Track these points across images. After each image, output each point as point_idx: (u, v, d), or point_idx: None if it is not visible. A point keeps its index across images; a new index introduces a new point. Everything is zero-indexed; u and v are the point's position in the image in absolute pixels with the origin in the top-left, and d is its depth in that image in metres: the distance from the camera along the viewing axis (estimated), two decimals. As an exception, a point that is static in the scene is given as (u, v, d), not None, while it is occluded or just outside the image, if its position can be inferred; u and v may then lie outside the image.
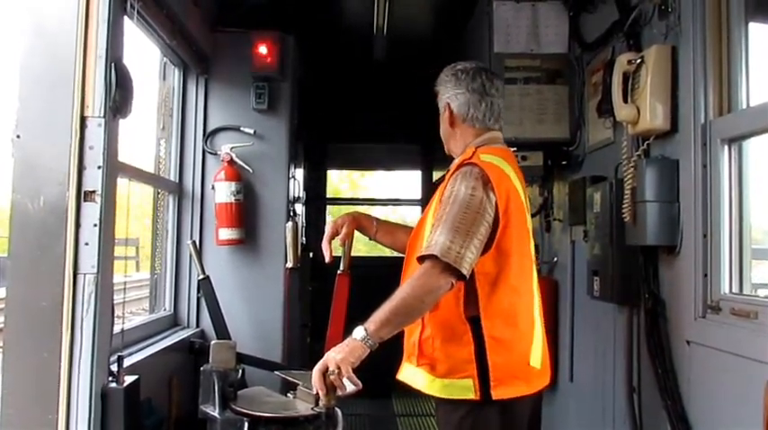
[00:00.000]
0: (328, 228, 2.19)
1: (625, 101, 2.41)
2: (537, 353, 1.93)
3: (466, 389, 1.85)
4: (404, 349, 2.02)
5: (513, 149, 2.14)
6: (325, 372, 1.74)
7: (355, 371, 1.85)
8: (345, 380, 1.75)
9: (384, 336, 1.76)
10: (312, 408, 2.17)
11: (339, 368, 1.72)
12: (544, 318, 2.03)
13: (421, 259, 1.81)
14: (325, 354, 1.77)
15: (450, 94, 2.05)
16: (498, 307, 1.86)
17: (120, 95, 2.13)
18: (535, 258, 2.06)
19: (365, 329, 1.74)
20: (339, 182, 9.54)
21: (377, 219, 2.27)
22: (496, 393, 1.83)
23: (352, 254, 2.94)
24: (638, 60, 2.37)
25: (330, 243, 2.17)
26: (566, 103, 3.31)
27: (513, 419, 1.89)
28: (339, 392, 1.77)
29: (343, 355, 1.73)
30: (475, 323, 1.86)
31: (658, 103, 2.30)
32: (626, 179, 2.41)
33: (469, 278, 1.83)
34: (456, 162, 2.00)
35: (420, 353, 1.94)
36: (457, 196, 1.84)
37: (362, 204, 10.26)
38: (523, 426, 1.92)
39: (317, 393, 1.78)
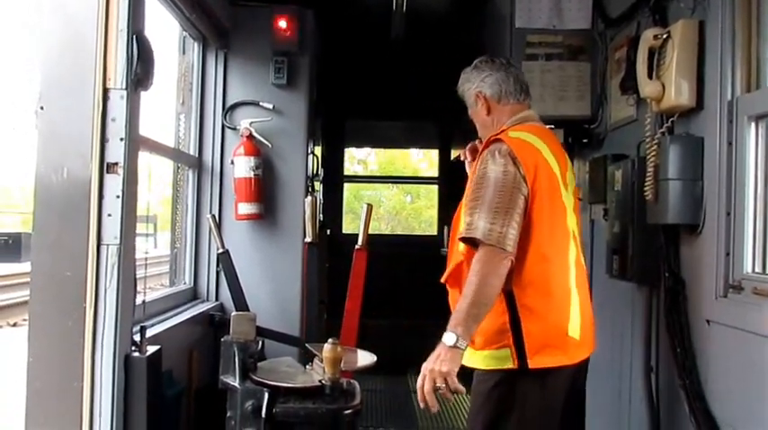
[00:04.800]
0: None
1: (650, 77, 2.37)
2: (575, 324, 1.96)
3: (504, 358, 1.91)
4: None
5: (549, 126, 2.20)
6: (433, 387, 1.78)
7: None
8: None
9: (473, 331, 1.83)
10: (320, 381, 2.21)
11: (446, 381, 1.77)
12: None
13: (463, 240, 1.91)
14: (425, 368, 1.81)
15: (478, 83, 2.12)
16: (529, 276, 1.91)
17: (141, 68, 2.14)
18: (578, 233, 2.09)
19: (455, 335, 1.79)
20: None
21: None
22: (533, 362, 1.89)
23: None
24: (665, 36, 2.33)
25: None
26: (588, 79, 3.27)
27: (546, 390, 1.92)
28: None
29: (447, 368, 1.77)
30: (508, 294, 1.91)
31: (684, 80, 2.26)
32: (649, 157, 2.38)
33: None
34: (485, 141, 2.05)
35: None
36: (489, 176, 1.91)
37: (381, 181, 10.28)
38: (557, 399, 1.96)
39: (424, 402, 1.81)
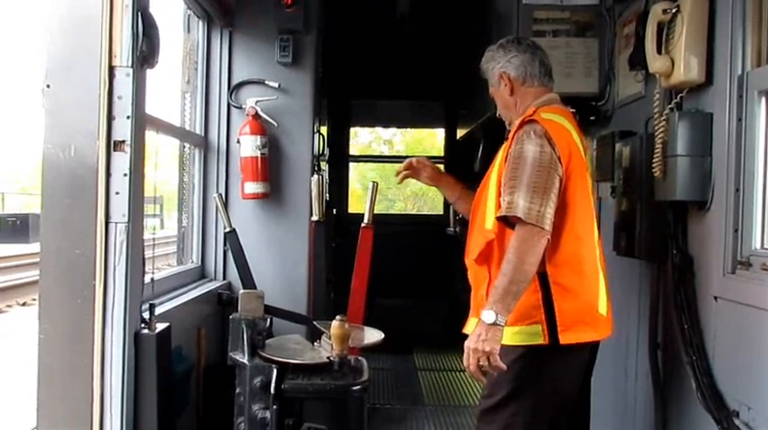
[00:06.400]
0: (408, 162, 2.40)
1: (659, 52, 2.35)
2: (603, 301, 2.03)
3: (535, 334, 1.95)
4: (470, 305, 2.12)
5: (571, 110, 2.23)
6: (478, 364, 1.84)
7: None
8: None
9: (511, 308, 1.86)
10: (328, 357, 2.23)
11: (489, 359, 1.82)
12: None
13: (500, 219, 1.94)
14: (468, 347, 1.86)
15: (503, 63, 2.15)
16: (563, 255, 1.96)
17: (147, 45, 2.13)
18: (596, 213, 2.16)
19: (494, 312, 1.83)
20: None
21: (462, 187, 2.40)
22: (564, 338, 1.93)
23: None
24: (674, 10, 2.30)
25: (403, 172, 2.40)
26: (595, 56, 3.24)
27: (569, 365, 1.98)
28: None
29: (490, 347, 1.82)
30: (541, 273, 1.95)
31: (693, 55, 2.24)
32: (657, 133, 2.36)
33: None
34: (517, 122, 2.06)
35: None
36: (526, 156, 1.93)
37: (386, 161, 10.28)
38: (579, 373, 2.03)
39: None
